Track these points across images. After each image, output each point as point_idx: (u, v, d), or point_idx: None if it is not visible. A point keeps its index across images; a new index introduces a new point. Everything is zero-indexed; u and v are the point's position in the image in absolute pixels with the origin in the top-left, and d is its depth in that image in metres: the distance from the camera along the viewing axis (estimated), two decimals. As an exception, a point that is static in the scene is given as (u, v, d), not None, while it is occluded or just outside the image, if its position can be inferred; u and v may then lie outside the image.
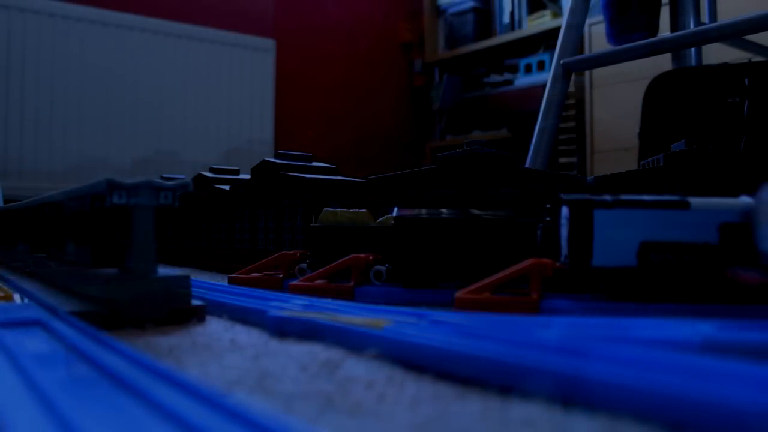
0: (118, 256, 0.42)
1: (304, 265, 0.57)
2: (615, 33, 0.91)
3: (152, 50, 1.70)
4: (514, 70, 2.07)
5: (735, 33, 0.76)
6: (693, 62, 0.97)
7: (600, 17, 1.06)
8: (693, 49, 0.97)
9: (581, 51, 1.45)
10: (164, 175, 1.02)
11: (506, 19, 2.10)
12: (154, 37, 1.71)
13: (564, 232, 0.39)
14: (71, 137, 1.59)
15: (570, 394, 0.21)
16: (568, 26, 0.93)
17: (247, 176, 0.86)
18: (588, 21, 1.44)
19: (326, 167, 0.80)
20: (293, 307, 0.38)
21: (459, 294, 0.41)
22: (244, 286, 0.54)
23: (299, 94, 2.06)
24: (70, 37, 1.58)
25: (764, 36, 0.85)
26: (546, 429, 0.19)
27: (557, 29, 0.99)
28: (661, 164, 0.50)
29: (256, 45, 1.89)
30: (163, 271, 0.39)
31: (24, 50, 1.53)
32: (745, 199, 0.37)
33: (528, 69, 1.99)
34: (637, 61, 0.86)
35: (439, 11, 2.33)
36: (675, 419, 0.18)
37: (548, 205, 0.41)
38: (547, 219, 0.41)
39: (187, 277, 0.39)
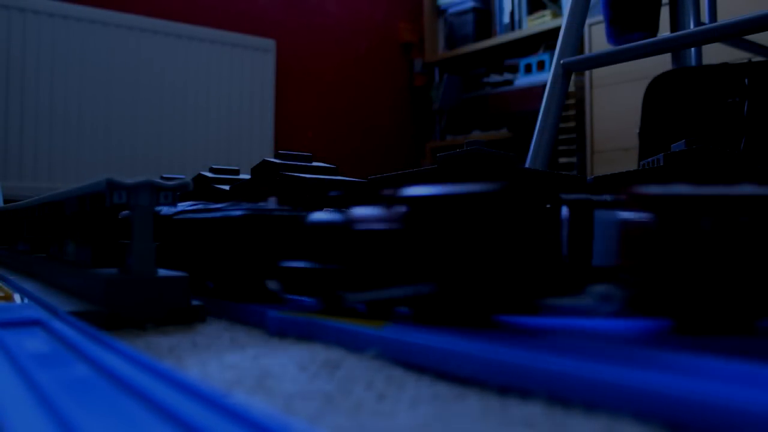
0: (118, 256, 0.42)
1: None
2: (615, 33, 0.91)
3: (152, 50, 1.70)
4: (514, 70, 2.07)
5: (735, 33, 0.76)
6: (693, 62, 0.97)
7: (600, 17, 1.06)
8: (693, 49, 0.97)
9: (581, 51, 1.45)
10: (164, 175, 1.02)
11: (506, 19, 2.10)
12: (154, 37, 1.71)
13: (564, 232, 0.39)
14: (71, 137, 1.59)
15: (570, 394, 0.21)
16: (568, 26, 0.93)
17: (247, 176, 0.86)
18: (588, 21, 1.44)
19: (326, 167, 0.80)
20: (293, 307, 0.38)
21: None
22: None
23: (299, 94, 2.06)
24: (70, 37, 1.58)
25: (764, 36, 0.85)
26: (546, 429, 0.19)
27: (557, 29, 0.99)
28: (661, 164, 0.50)
29: (256, 45, 1.89)
30: (163, 271, 0.39)
31: (24, 50, 1.53)
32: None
33: (528, 69, 1.99)
34: (637, 61, 0.86)
35: (439, 11, 2.33)
36: (675, 419, 0.18)
37: (548, 206, 0.41)
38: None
39: (186, 277, 0.39)
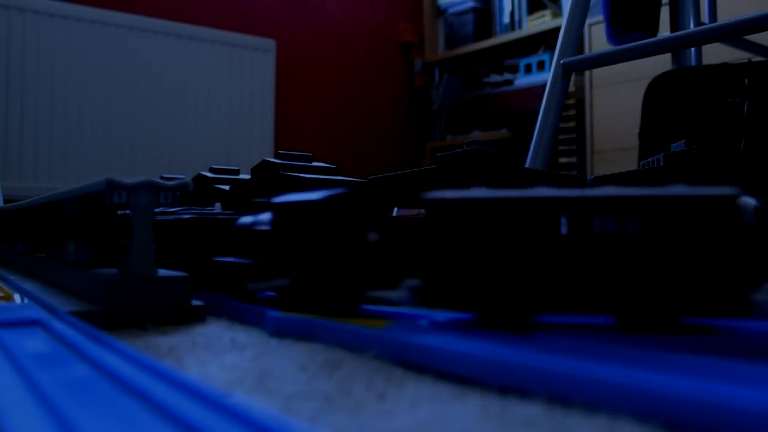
0: (118, 256, 0.42)
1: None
2: (615, 33, 0.91)
3: (152, 50, 1.70)
4: (514, 70, 2.07)
5: (735, 33, 0.76)
6: (693, 62, 0.97)
7: (600, 17, 1.06)
8: (693, 49, 0.97)
9: (581, 51, 1.45)
10: (164, 175, 1.02)
11: (506, 19, 2.10)
12: (154, 37, 1.71)
13: None
14: (71, 137, 1.59)
15: (570, 394, 0.21)
16: (568, 26, 0.93)
17: (247, 176, 0.86)
18: (588, 21, 1.44)
19: (326, 167, 0.80)
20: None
21: None
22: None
23: (299, 94, 2.06)
24: (70, 37, 1.58)
25: (764, 36, 0.85)
26: (546, 429, 0.19)
27: (557, 29, 0.99)
28: (661, 164, 0.50)
29: (256, 45, 1.89)
30: (163, 271, 0.39)
31: (24, 50, 1.53)
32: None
33: (528, 69, 1.99)
34: (637, 61, 0.86)
35: (439, 11, 2.33)
36: (675, 419, 0.18)
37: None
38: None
39: (186, 277, 0.39)
